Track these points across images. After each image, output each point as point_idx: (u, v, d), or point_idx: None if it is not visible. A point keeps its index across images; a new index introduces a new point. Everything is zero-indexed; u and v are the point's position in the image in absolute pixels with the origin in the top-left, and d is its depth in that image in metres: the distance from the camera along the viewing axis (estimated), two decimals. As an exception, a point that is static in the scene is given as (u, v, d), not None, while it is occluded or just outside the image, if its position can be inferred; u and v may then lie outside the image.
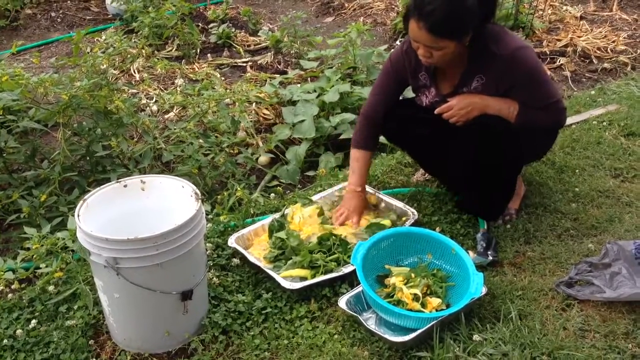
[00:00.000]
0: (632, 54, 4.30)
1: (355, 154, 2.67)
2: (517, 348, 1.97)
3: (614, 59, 4.26)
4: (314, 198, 2.73)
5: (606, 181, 2.85)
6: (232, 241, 2.44)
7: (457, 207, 2.69)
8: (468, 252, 2.27)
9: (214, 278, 2.29)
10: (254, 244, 2.51)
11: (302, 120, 3.36)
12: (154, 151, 2.98)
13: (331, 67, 4.12)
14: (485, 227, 2.55)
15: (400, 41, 4.79)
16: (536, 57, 2.43)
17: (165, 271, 1.90)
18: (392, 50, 2.68)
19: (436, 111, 2.44)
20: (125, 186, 2.10)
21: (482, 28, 2.27)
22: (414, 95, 2.64)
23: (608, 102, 3.61)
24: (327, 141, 3.37)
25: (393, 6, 5.53)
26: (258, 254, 2.43)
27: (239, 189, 2.72)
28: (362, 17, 5.41)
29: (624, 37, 4.53)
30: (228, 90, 3.61)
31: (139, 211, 2.09)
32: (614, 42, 4.44)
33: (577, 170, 2.93)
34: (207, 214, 2.64)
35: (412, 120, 2.59)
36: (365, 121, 2.67)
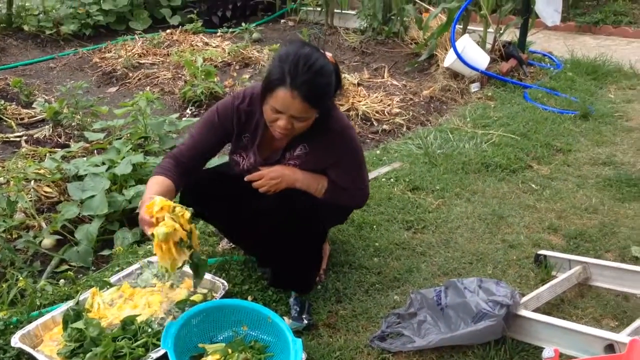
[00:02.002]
0: (405, 115, 4.73)
1: (151, 180, 2.29)
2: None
3: (390, 120, 4.64)
4: (112, 280, 2.48)
5: (401, 234, 3.02)
6: (15, 340, 2.10)
7: (270, 285, 2.54)
8: (283, 319, 2.21)
9: (-5, 389, 1.94)
10: (44, 340, 2.18)
11: (92, 196, 3.07)
12: None
13: (120, 138, 3.89)
14: (297, 290, 2.52)
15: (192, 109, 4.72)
16: (359, 140, 2.51)
17: None
18: (220, 101, 2.45)
19: (246, 178, 2.38)
20: None
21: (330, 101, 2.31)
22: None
23: (392, 160, 3.88)
24: (121, 217, 3.11)
25: (180, 75, 5.48)
26: (50, 351, 2.12)
27: (20, 278, 2.37)
28: (148, 87, 5.26)
29: (397, 101, 4.97)
30: (0, 169, 3.20)
31: None
32: (389, 105, 4.85)
33: (374, 226, 3.06)
34: (-19, 313, 2.25)
35: (220, 187, 2.46)
36: (171, 160, 2.37)
